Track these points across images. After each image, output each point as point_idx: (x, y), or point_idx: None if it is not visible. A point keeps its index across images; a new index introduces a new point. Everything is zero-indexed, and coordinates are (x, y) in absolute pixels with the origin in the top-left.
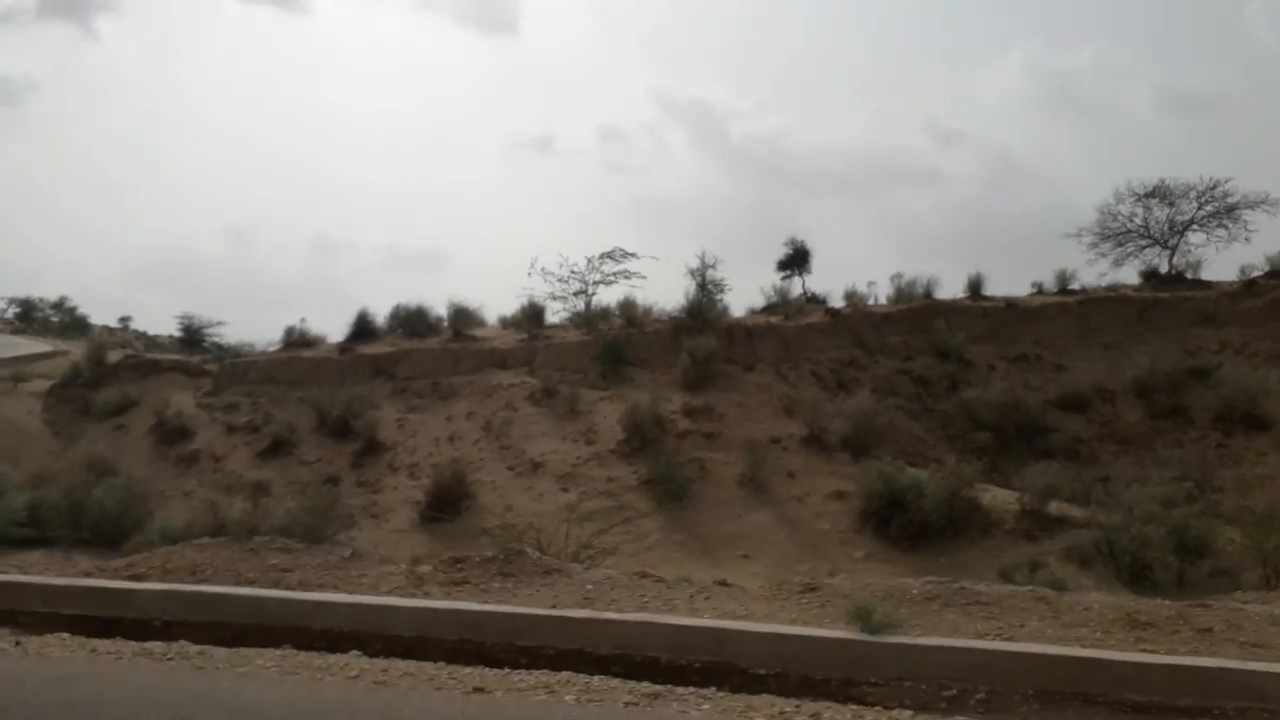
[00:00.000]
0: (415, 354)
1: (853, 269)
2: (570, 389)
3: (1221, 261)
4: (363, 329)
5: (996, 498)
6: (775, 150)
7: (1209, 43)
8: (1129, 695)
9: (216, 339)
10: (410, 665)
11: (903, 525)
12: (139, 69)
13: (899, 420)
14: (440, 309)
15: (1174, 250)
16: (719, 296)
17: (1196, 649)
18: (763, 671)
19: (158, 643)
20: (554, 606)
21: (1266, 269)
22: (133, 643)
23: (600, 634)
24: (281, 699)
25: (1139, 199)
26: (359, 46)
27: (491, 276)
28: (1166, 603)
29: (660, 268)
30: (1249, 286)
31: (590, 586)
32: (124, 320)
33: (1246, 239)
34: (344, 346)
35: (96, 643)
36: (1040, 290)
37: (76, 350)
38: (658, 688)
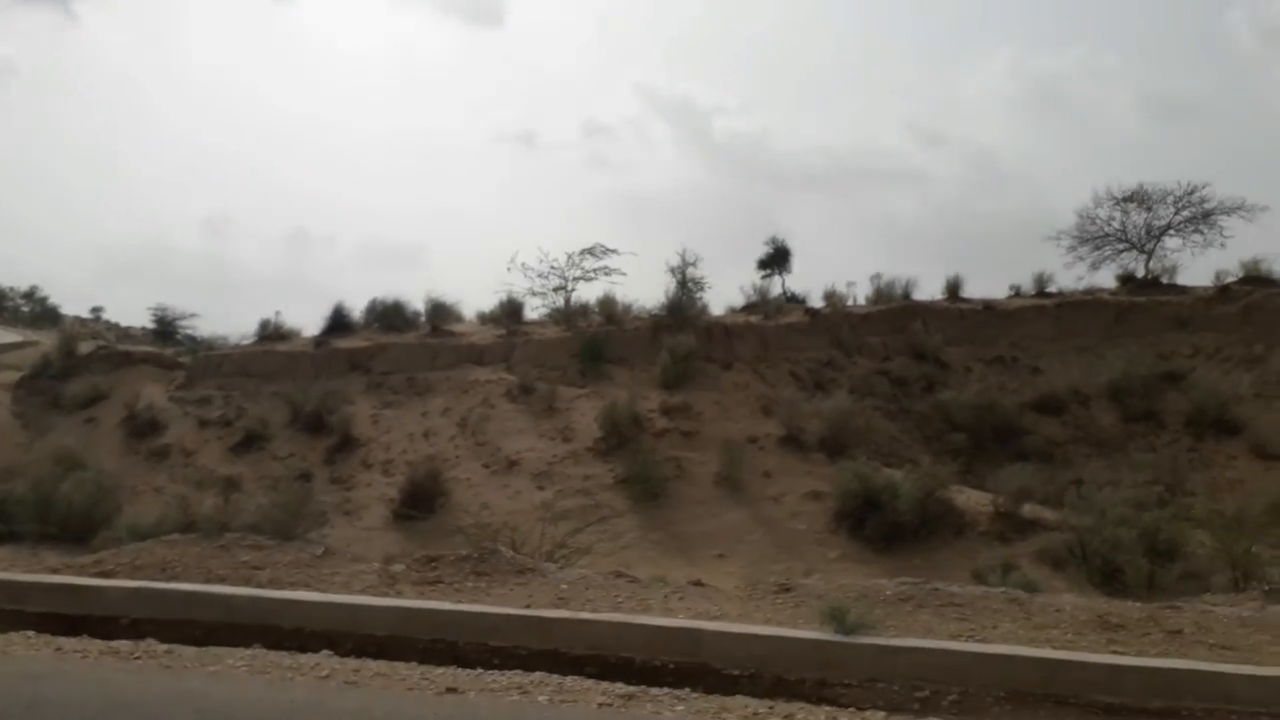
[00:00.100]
0: (391, 349)
1: (833, 269)
2: (548, 386)
3: (1197, 267)
4: (338, 323)
5: (971, 499)
6: (758, 148)
7: (1190, 47)
8: (1100, 697)
9: (190, 331)
10: (382, 665)
11: (877, 526)
12: (117, 54)
13: (876, 421)
14: (418, 303)
15: (1150, 255)
16: (699, 295)
17: (1167, 651)
18: (736, 672)
19: (125, 641)
20: (528, 606)
21: (1241, 275)
22: (99, 641)
23: (574, 634)
24: (251, 699)
25: (1117, 203)
26: (341, 37)
27: (471, 271)
28: (1137, 605)
29: (641, 264)
30: (1223, 292)
31: (565, 586)
32: (96, 311)
33: (1222, 245)
34: (319, 340)
35: (62, 641)
36: (1018, 293)
37: (47, 341)
38: (631, 688)
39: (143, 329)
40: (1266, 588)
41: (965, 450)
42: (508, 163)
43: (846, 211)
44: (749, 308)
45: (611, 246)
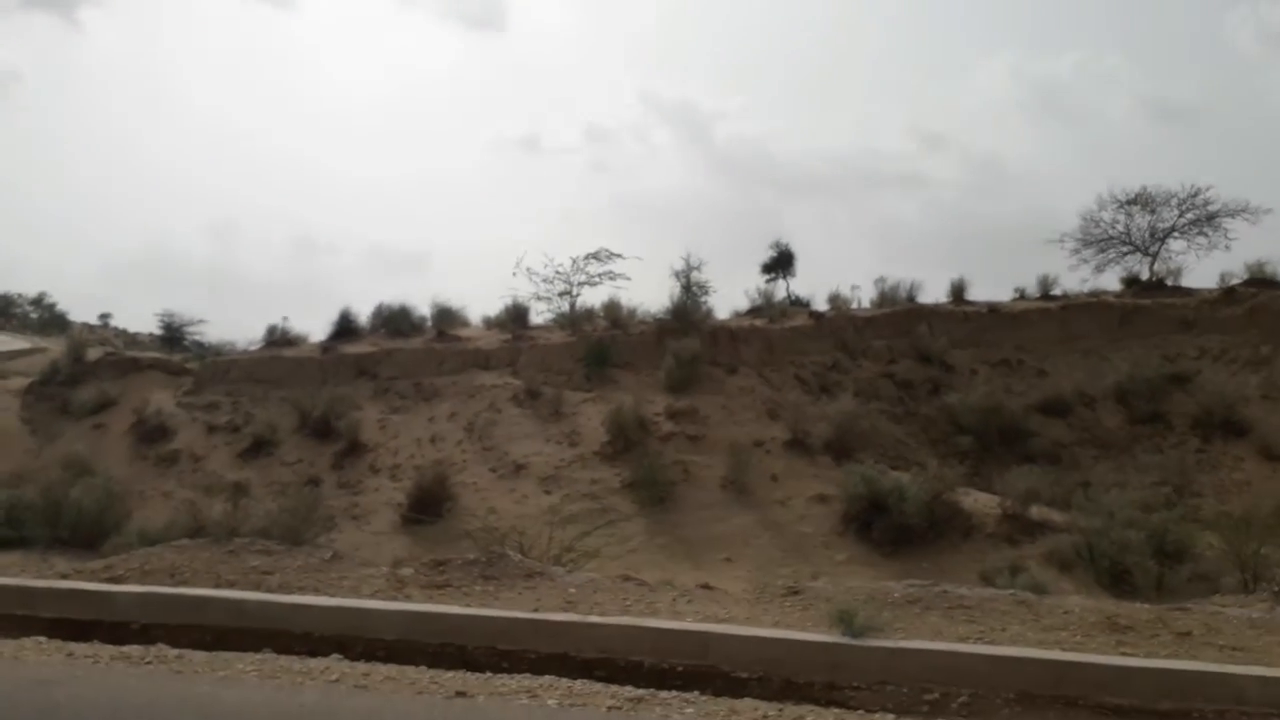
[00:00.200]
0: (398, 354)
1: (837, 272)
2: (554, 390)
3: (1202, 269)
4: (345, 328)
5: (978, 501)
6: (760, 152)
7: (1191, 51)
8: (1109, 698)
9: (197, 337)
10: (392, 669)
11: (885, 529)
12: (122, 61)
13: (881, 424)
14: (424, 308)
15: (1155, 257)
16: (703, 298)
17: (1176, 652)
18: (745, 675)
19: (135, 646)
20: (536, 610)
21: (1245, 277)
22: (110, 646)
23: (583, 638)
24: (261, 703)
25: (1121, 206)
26: (343, 42)
27: (476, 276)
28: (1146, 607)
29: (645, 269)
30: (1228, 294)
31: (573, 590)
32: (104, 317)
33: (1226, 247)
34: (326, 346)
35: (73, 646)
36: (1023, 295)
37: (55, 347)
38: (640, 692)
39: (150, 335)
40: (1276, 589)
41: (972, 453)
42: (511, 167)
43: (849, 215)
44: (753, 311)
45: (616, 251)
